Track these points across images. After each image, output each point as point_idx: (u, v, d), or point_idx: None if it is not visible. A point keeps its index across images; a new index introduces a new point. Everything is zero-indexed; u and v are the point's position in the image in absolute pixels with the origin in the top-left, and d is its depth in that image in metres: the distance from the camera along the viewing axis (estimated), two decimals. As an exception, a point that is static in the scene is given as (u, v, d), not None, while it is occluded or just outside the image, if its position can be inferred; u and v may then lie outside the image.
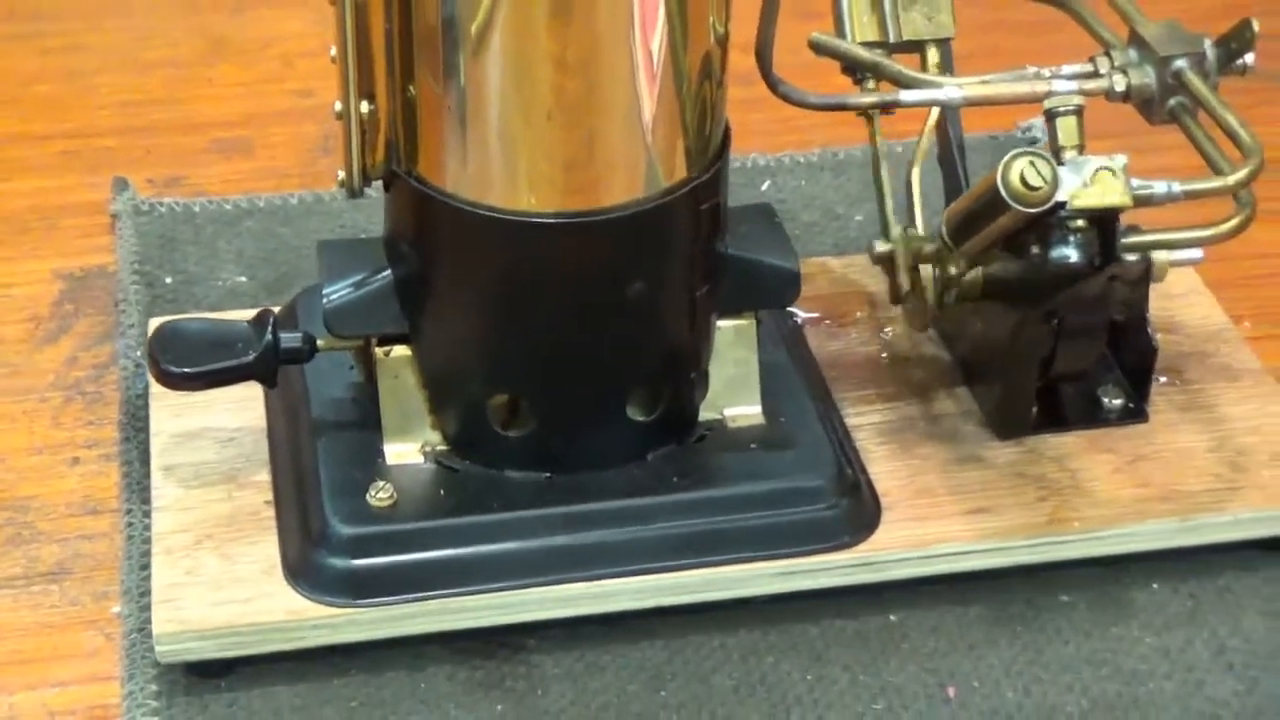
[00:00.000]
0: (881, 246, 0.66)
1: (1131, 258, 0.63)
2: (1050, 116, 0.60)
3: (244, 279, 0.79)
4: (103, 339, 0.76)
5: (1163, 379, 0.71)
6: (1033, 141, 0.87)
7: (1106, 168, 0.58)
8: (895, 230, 0.66)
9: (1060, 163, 0.57)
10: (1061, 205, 0.57)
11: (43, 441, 0.72)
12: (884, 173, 0.68)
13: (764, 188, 0.85)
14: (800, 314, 0.73)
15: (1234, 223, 0.60)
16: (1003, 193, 0.56)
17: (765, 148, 0.87)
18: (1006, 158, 0.56)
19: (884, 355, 0.72)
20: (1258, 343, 0.77)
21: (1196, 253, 0.68)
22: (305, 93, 0.90)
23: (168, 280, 0.79)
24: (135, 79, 0.94)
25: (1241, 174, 0.59)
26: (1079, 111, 0.60)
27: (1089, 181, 0.57)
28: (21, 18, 0.99)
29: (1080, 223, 0.59)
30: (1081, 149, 0.60)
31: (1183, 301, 0.75)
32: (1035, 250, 0.60)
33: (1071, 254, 0.60)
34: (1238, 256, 0.82)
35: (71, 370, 0.75)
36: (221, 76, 0.93)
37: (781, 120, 0.87)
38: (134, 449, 0.69)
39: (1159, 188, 0.59)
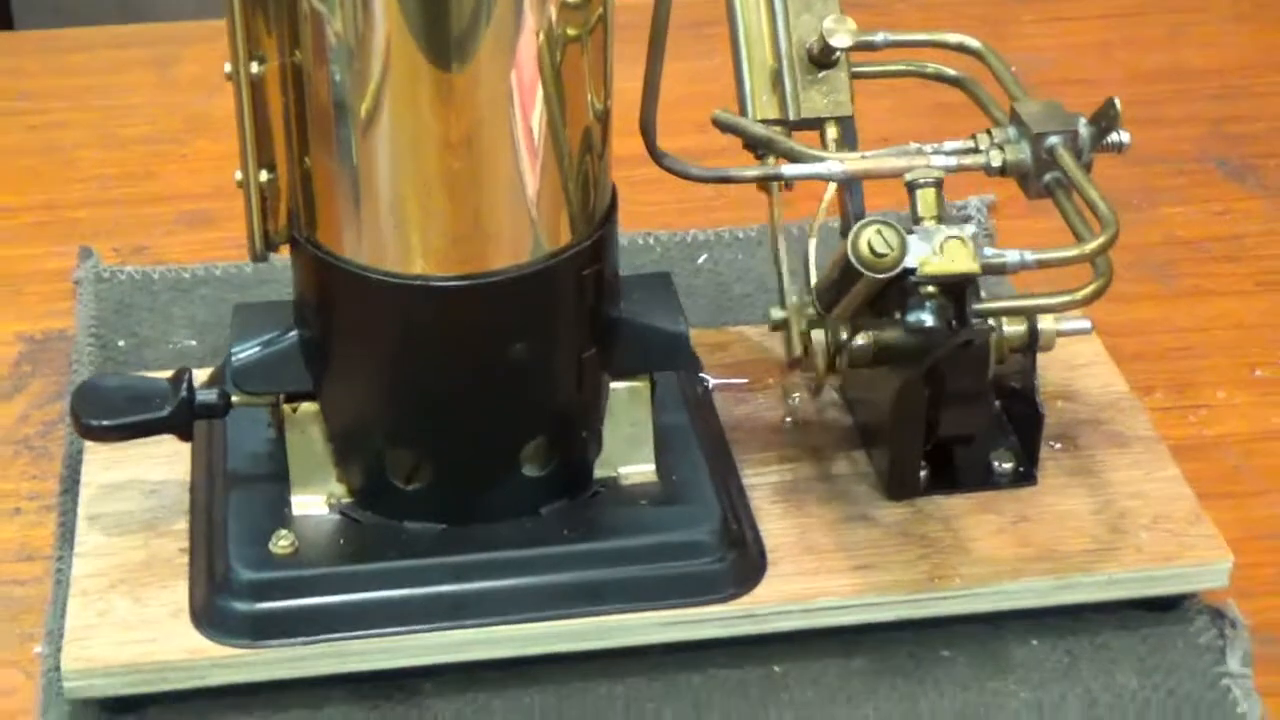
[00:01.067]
0: (777, 314, 0.69)
1: (1009, 322, 0.66)
2: (911, 188, 0.63)
3: (194, 343, 0.82)
4: (55, 398, 0.79)
5: (1057, 445, 0.73)
6: (966, 219, 0.90)
7: (956, 237, 0.60)
8: (791, 299, 0.69)
9: (911, 232, 0.60)
10: (911, 272, 0.60)
11: None
12: (782, 246, 0.70)
13: (700, 260, 0.88)
14: (710, 379, 0.76)
15: (1089, 289, 0.62)
16: (852, 259, 0.59)
17: (704, 223, 0.90)
18: (856, 226, 0.59)
19: (788, 420, 0.74)
20: (1166, 412, 0.80)
21: (1084, 324, 0.71)
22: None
23: (121, 343, 0.82)
24: (112, 154, 0.98)
25: (1095, 244, 0.62)
26: (938, 184, 0.63)
27: (938, 250, 0.60)
28: (8, 95, 1.03)
29: (932, 289, 0.62)
30: (940, 219, 0.62)
31: (1085, 371, 0.77)
32: (897, 315, 0.63)
33: (927, 318, 0.63)
34: (1156, 330, 0.86)
35: (22, 427, 0.78)
36: (195, 152, 0.97)
37: (720, 197, 0.91)
38: (70, 500, 0.72)
39: (1011, 256, 0.62)
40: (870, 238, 0.59)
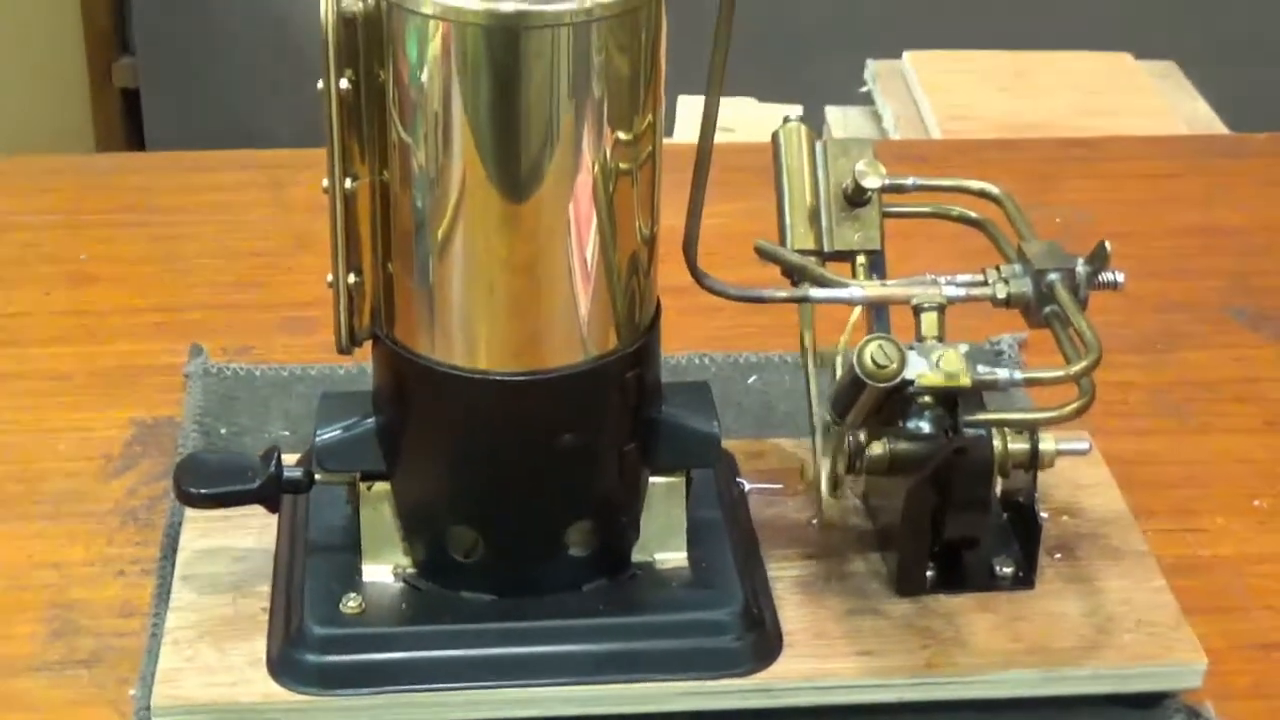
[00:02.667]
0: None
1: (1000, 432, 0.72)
2: (916, 311, 0.69)
3: (287, 433, 0.88)
4: (161, 476, 0.85)
5: (1057, 555, 0.77)
6: (999, 354, 0.96)
7: (952, 353, 0.67)
8: (815, 409, 0.75)
9: (911, 347, 0.67)
10: (910, 383, 0.66)
11: (96, 556, 0.81)
12: (811, 363, 0.76)
13: (750, 381, 0.93)
14: (746, 483, 0.81)
15: (1073, 407, 0.67)
16: (856, 369, 0.65)
17: (758, 348, 0.96)
18: (862, 341, 0.66)
19: (813, 522, 0.79)
20: (1166, 534, 0.83)
21: (1083, 445, 0.75)
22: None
23: (222, 430, 0.88)
24: (226, 264, 1.03)
25: (1079, 366, 0.67)
26: (941, 309, 0.69)
27: (935, 364, 0.66)
28: (140, 210, 1.09)
29: (929, 399, 0.68)
30: (941, 339, 0.69)
31: (1089, 491, 0.81)
32: (900, 424, 0.70)
33: (925, 426, 0.69)
34: (1166, 461, 0.90)
35: (130, 500, 0.84)
36: (299, 265, 1.02)
37: (774, 325, 0.97)
38: (168, 565, 0.78)
39: (1002, 374, 0.67)
40: (873, 351, 0.65)
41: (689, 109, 1.33)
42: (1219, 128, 1.40)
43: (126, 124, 2.35)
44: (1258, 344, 0.99)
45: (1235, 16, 1.95)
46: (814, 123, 1.39)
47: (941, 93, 1.38)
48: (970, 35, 1.52)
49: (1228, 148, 1.28)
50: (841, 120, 1.42)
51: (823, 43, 1.47)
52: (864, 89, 1.48)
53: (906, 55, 1.46)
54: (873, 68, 1.48)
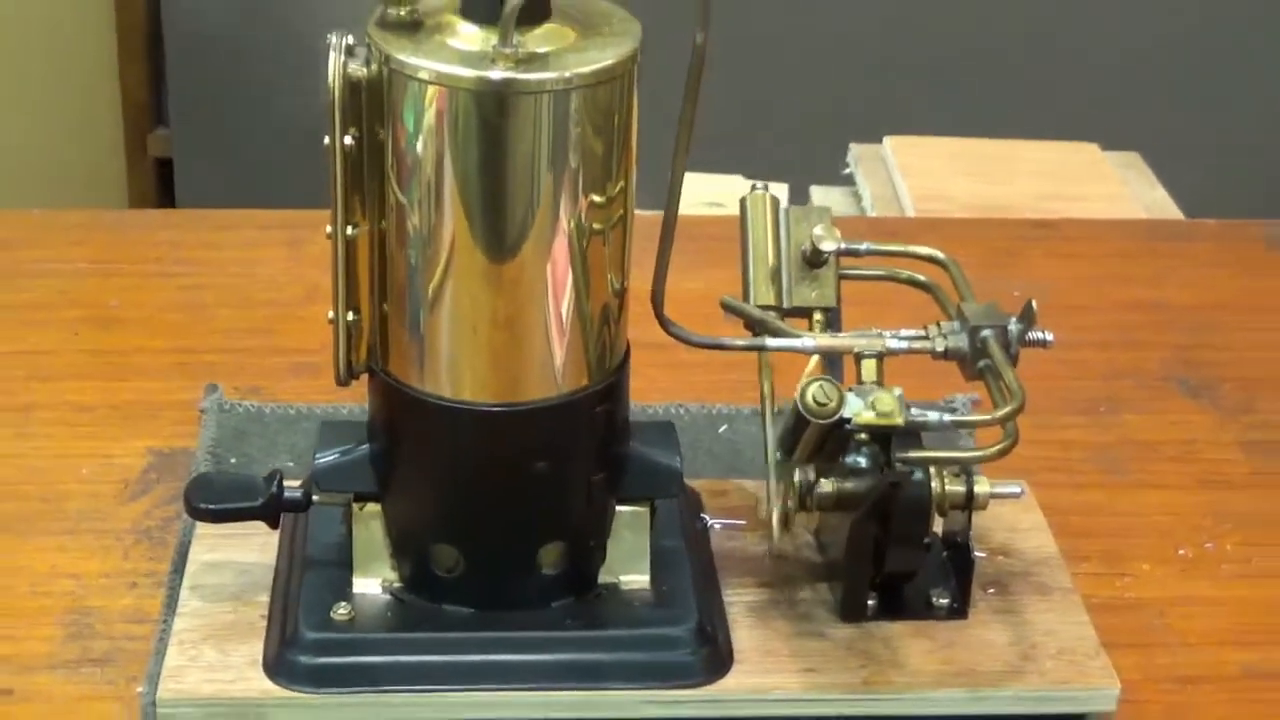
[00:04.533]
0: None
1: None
2: (857, 358, 0.74)
3: (292, 464, 0.92)
4: (173, 500, 0.89)
5: (991, 590, 0.81)
6: (952, 411, 1.01)
7: (887, 395, 0.72)
8: (772, 449, 0.79)
9: (850, 389, 0.72)
10: (847, 420, 0.71)
11: (113, 569, 0.85)
12: (769, 408, 0.79)
13: (721, 430, 0.98)
14: (709, 519, 0.85)
15: (997, 448, 0.71)
16: (800, 407, 0.70)
17: (729, 401, 1.00)
18: (803, 381, 0.71)
19: (770, 556, 0.82)
20: (1096, 577, 0.87)
21: (1015, 489, 0.79)
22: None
23: (232, 460, 0.92)
24: (243, 313, 1.07)
25: (1003, 412, 0.71)
26: (880, 357, 0.74)
27: (870, 405, 0.71)
28: (166, 262, 1.13)
29: (864, 436, 0.73)
30: (879, 384, 0.74)
31: (1024, 534, 0.85)
32: (840, 460, 0.75)
33: (861, 461, 0.74)
34: (1101, 512, 0.93)
35: (145, 520, 0.88)
36: (309, 315, 1.06)
37: (746, 380, 1.01)
38: (178, 578, 0.81)
39: (933, 415, 0.72)
40: (814, 391, 0.70)
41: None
42: (1174, 213, 1.44)
43: (159, 190, 2.40)
44: (1196, 411, 1.03)
45: (1195, 113, 2.01)
46: (800, 200, 1.44)
47: (917, 175, 1.42)
48: (947, 123, 1.57)
49: (1179, 231, 1.31)
50: (824, 198, 1.46)
51: (809, 126, 1.52)
52: (846, 170, 1.52)
53: (886, 140, 1.50)
54: (855, 151, 1.52)
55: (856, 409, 0.70)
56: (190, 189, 2.28)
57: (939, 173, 1.45)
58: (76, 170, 2.37)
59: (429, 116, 0.69)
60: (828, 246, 0.81)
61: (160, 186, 2.42)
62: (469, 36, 0.69)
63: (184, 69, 2.18)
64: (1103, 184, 1.43)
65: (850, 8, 2.04)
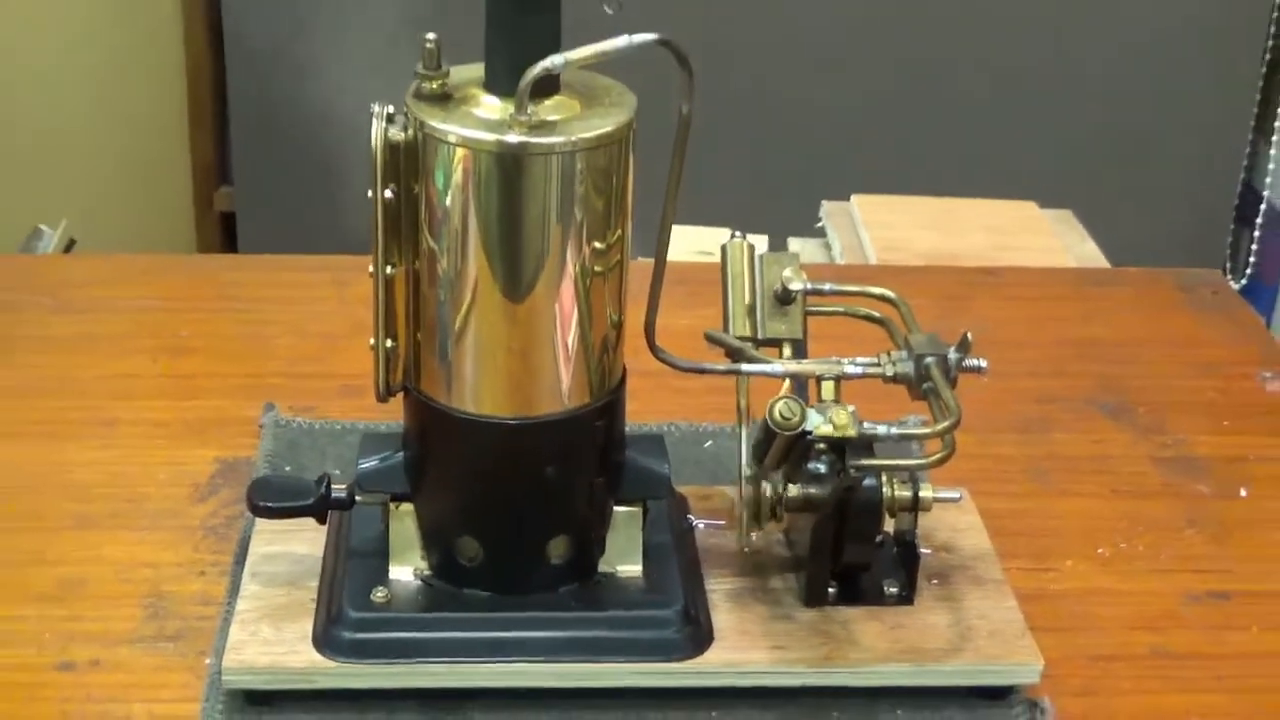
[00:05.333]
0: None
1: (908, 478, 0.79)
2: (818, 380, 0.77)
3: (337, 472, 0.91)
4: (236, 501, 0.90)
5: (934, 580, 0.83)
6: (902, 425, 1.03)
7: (843, 411, 0.74)
8: (744, 466, 0.80)
9: (812, 407, 0.74)
10: (808, 433, 0.74)
11: (184, 560, 0.87)
12: (745, 425, 0.81)
13: (706, 445, 0.99)
14: (695, 519, 0.87)
15: (937, 457, 0.73)
16: (769, 421, 0.73)
17: (716, 420, 1.01)
18: (773, 399, 0.73)
19: (746, 550, 0.83)
20: (1025, 571, 0.88)
21: (955, 494, 0.81)
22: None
23: (286, 468, 0.94)
24: (298, 343, 1.09)
25: (942, 426, 0.73)
26: (838, 380, 0.76)
27: (828, 419, 0.74)
28: (230, 299, 1.15)
29: (823, 446, 0.75)
30: (837, 401, 0.76)
31: (964, 534, 0.87)
32: (804, 467, 0.77)
33: (820, 468, 0.76)
34: (1031, 517, 0.94)
35: (212, 519, 0.90)
36: (353, 346, 1.05)
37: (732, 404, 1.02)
38: (239, 569, 0.83)
39: (882, 429, 0.74)
40: (780, 407, 0.72)
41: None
42: (1101, 262, 1.46)
43: (223, 240, 2.42)
44: (1115, 431, 1.04)
45: (1120, 177, 2.03)
46: (779, 249, 1.46)
47: (879, 228, 1.44)
48: (907, 183, 1.59)
49: (1105, 278, 1.32)
50: (800, 248, 1.47)
51: (788, 186, 1.54)
52: (819, 224, 1.54)
53: (854, 198, 1.52)
54: (826, 207, 1.53)
55: (816, 423, 0.72)
56: (250, 238, 2.31)
57: (899, 226, 1.46)
58: (152, 222, 2.40)
59: (456, 174, 0.71)
60: (795, 286, 0.83)
61: (224, 236, 2.44)
62: (490, 107, 0.72)
63: (246, 135, 2.21)
64: (1040, 237, 1.45)
65: (827, 83, 2.07)
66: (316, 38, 2.14)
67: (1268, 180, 2.14)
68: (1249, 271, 2.15)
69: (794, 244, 1.51)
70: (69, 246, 1.96)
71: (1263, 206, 2.14)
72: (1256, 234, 2.15)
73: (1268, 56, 2.08)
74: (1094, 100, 2.07)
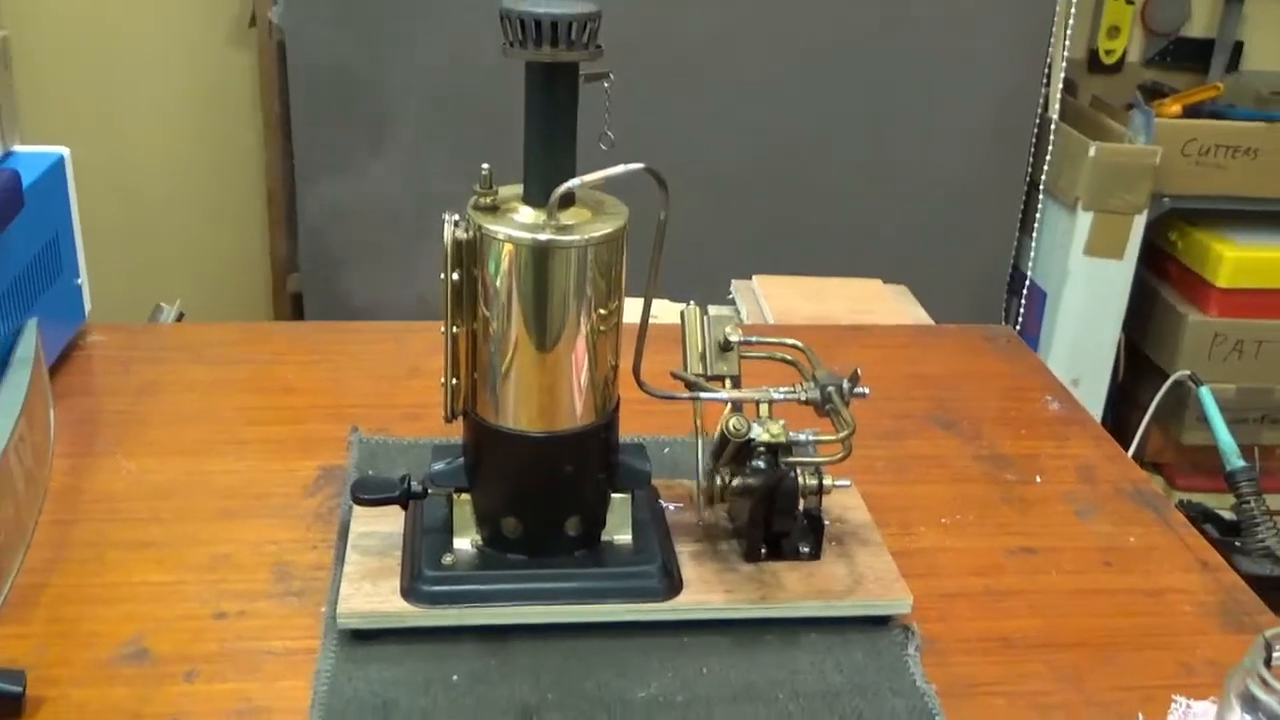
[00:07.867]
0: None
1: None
2: (757, 405, 0.78)
3: (408, 473, 0.93)
4: (336, 496, 0.90)
5: (834, 543, 0.83)
6: (815, 434, 1.04)
7: (777, 424, 0.76)
8: (702, 464, 0.82)
9: (756, 421, 0.76)
10: (752, 440, 0.76)
11: (300, 539, 0.86)
12: (700, 438, 0.82)
13: (665, 451, 0.98)
14: (665, 503, 0.87)
15: (839, 457, 0.74)
16: (724, 431, 0.75)
17: (675, 433, 1.00)
18: (724, 417, 0.75)
19: (700, 524, 0.85)
20: (894, 535, 0.88)
21: (845, 483, 0.82)
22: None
23: (369, 472, 0.93)
24: (370, 383, 1.08)
25: (841, 435, 0.75)
26: (770, 403, 0.79)
27: (766, 430, 0.76)
28: (321, 353, 1.12)
29: (762, 449, 0.77)
30: (771, 417, 0.78)
31: (852, 511, 0.88)
32: (748, 464, 0.79)
33: (761, 464, 0.78)
34: (895, 499, 0.94)
35: (319, 509, 0.89)
36: (411, 386, 1.07)
37: (687, 423, 1.02)
38: (343, 544, 0.83)
39: (804, 436, 0.77)
40: (733, 421, 0.74)
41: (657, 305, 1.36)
42: (929, 321, 1.49)
43: (293, 315, 2.40)
44: (947, 438, 1.05)
45: (942, 262, 2.08)
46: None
47: (775, 299, 1.45)
48: (794, 266, 1.62)
49: (933, 332, 1.33)
50: (717, 314, 1.49)
51: (709, 268, 1.55)
52: (730, 296, 1.56)
53: (755, 278, 1.54)
54: (735, 284, 1.56)
55: (759, 433, 0.74)
56: (314, 313, 2.29)
57: (786, 297, 1.48)
58: (241, 300, 2.39)
59: (504, 262, 0.72)
60: (734, 338, 0.84)
61: (293, 311, 2.43)
62: (528, 214, 0.73)
63: (312, 233, 2.20)
64: (886, 304, 1.47)
65: (726, 200, 2.10)
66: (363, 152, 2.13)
67: (1029, 264, 2.21)
68: (1016, 328, 2.20)
69: (713, 310, 1.52)
70: (179, 318, 1.94)
71: (1026, 282, 2.21)
72: (1022, 302, 2.21)
73: (1029, 174, 2.15)
74: (914, 205, 2.12)
